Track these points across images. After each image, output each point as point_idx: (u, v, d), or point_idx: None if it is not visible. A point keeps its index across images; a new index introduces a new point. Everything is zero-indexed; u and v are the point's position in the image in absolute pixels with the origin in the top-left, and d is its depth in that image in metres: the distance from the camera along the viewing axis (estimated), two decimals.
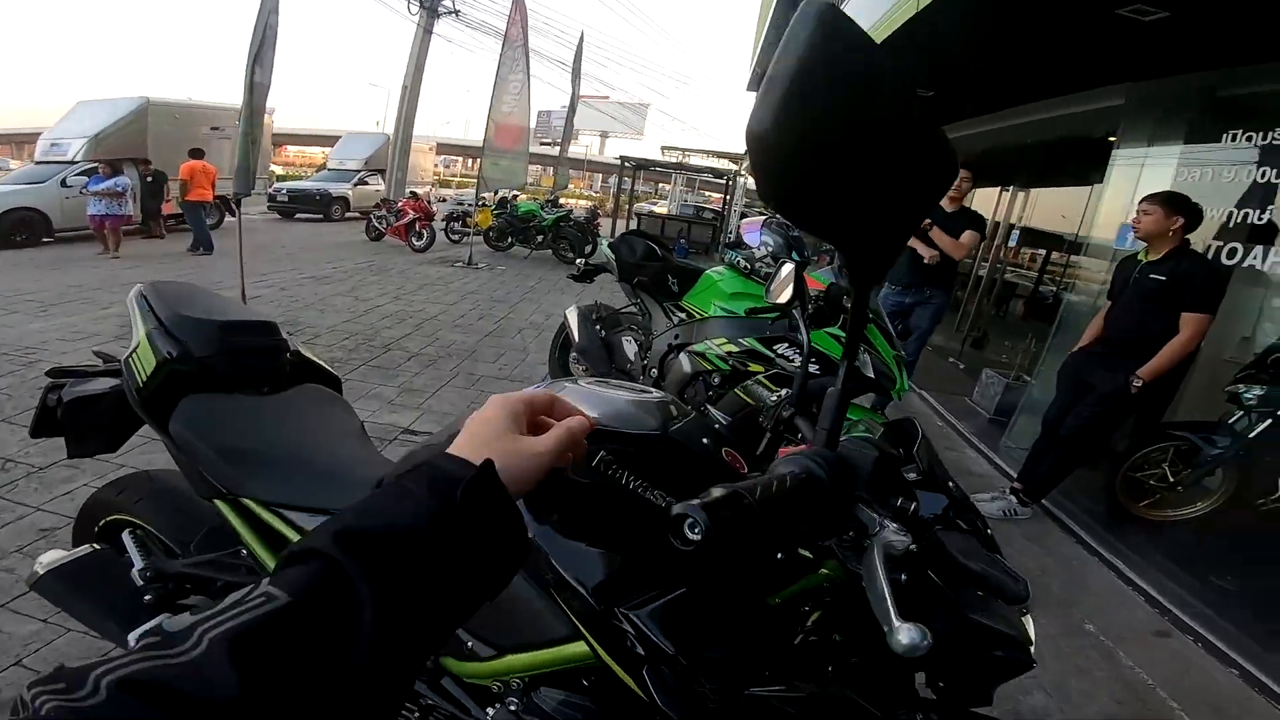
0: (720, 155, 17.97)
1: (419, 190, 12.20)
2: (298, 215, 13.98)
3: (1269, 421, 2.71)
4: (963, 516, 0.80)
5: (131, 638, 1.23)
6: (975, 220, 3.66)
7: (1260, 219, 2.76)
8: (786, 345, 2.47)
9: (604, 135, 54.72)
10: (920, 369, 5.83)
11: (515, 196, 11.74)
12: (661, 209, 16.78)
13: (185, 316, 1.21)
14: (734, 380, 2.50)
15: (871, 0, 4.21)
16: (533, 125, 11.14)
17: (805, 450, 0.66)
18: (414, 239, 10.24)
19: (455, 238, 11.32)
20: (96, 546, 1.42)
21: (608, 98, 49.08)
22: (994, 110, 5.64)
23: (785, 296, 1.43)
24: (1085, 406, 2.84)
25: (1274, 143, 2.76)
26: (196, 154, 9.01)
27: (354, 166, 14.82)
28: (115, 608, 1.31)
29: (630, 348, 3.29)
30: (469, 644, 0.85)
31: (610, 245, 3.42)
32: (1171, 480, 3.00)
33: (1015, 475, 3.29)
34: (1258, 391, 2.72)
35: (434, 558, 0.38)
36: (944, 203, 3.60)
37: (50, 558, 1.34)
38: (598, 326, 3.47)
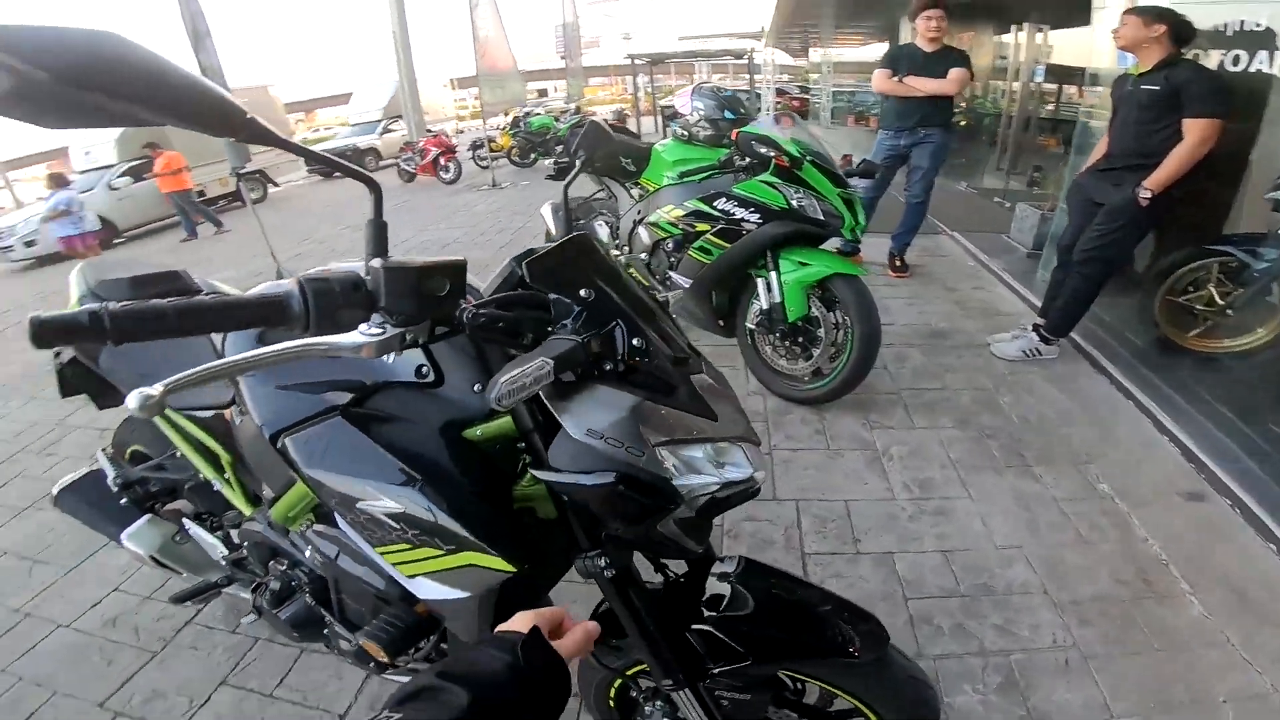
0: (740, 35, 16.60)
1: (433, 128, 12.18)
2: (335, 174, 14.18)
3: None
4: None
5: (123, 537, 1.49)
6: (961, 58, 3.50)
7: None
8: (724, 200, 2.36)
9: (627, 36, 52.31)
10: (957, 210, 5.49)
11: (526, 114, 11.54)
12: None
13: (102, 280, 1.37)
14: (688, 243, 2.50)
15: None
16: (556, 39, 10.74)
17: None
18: (441, 173, 10.42)
19: (483, 164, 11.34)
20: (94, 468, 1.68)
21: None
22: None
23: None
24: (1095, 226, 2.56)
25: None
26: (150, 147, 8.81)
27: (375, 117, 14.92)
28: (108, 514, 1.58)
29: (603, 231, 3.27)
30: None
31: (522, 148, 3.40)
32: (1221, 304, 2.60)
33: None
34: None
35: (507, 692, 0.54)
36: (923, 44, 3.49)
37: (62, 480, 1.68)
38: (571, 217, 3.46)
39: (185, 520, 1.48)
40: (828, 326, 2.36)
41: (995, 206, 5.70)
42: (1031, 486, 2.08)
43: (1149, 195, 2.33)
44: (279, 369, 0.79)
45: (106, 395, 1.56)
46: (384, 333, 0.57)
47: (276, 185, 12.41)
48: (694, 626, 0.85)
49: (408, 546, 0.76)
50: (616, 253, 3.18)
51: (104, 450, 1.68)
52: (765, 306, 2.40)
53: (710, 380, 0.77)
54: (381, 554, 0.79)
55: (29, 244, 8.37)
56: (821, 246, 2.45)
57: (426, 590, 0.79)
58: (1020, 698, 1.43)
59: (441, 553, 0.74)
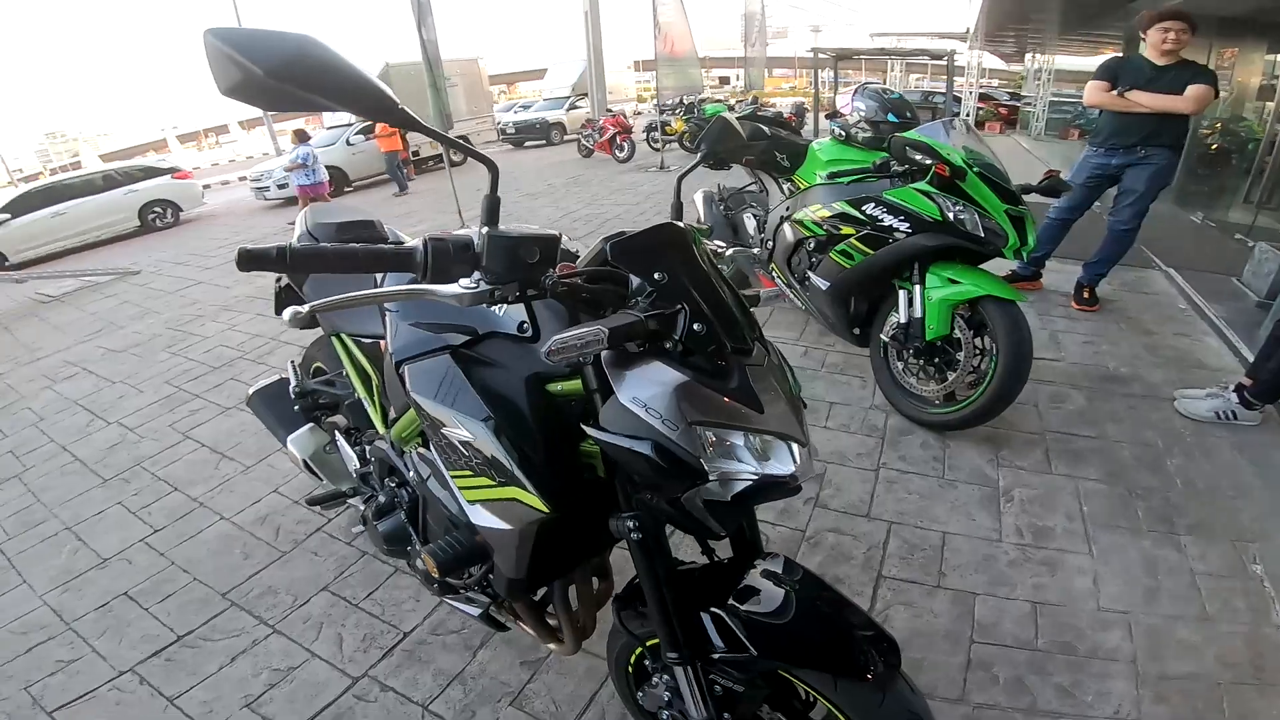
0: (941, 35, 15.21)
1: (613, 108, 12.79)
2: (525, 144, 15.67)
3: None
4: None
5: (288, 440, 1.84)
6: (1201, 73, 3.02)
7: None
8: (873, 205, 2.29)
9: (816, 30, 50.70)
10: (1182, 244, 4.70)
11: (701, 100, 11.65)
12: None
13: (318, 223, 1.71)
14: (830, 245, 2.49)
15: None
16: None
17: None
18: (616, 151, 10.97)
19: (655, 146, 11.73)
20: (282, 376, 2.09)
21: None
22: None
23: None
24: None
25: None
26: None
27: (564, 94, 16.10)
28: (282, 420, 1.96)
29: (750, 224, 3.34)
30: None
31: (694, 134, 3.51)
32: None
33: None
34: None
35: None
36: (1154, 56, 3.08)
37: (256, 384, 2.10)
38: (721, 206, 3.55)
39: (337, 434, 1.79)
40: (969, 351, 2.21)
41: (1232, 244, 4.78)
42: (1169, 555, 1.83)
43: None
44: (415, 310, 0.98)
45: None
46: (477, 287, 0.71)
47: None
48: (711, 609, 0.90)
49: (470, 473, 0.90)
50: (721, 245, 3.23)
51: (293, 361, 2.07)
52: (904, 320, 2.29)
53: (771, 377, 0.82)
54: (453, 476, 0.94)
55: (281, 186, 10.15)
56: (982, 266, 2.29)
57: (480, 517, 0.92)
58: None
59: (494, 483, 0.87)
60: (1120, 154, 3.21)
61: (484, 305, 0.73)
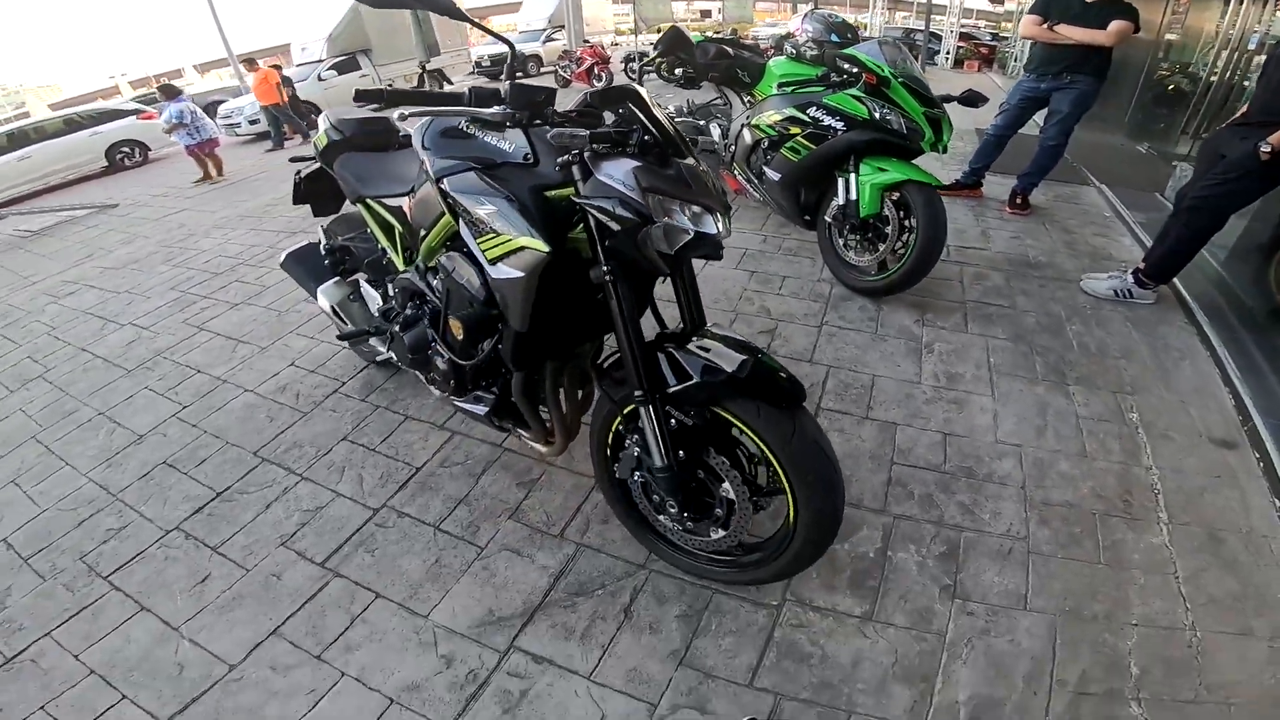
0: None
1: (590, 39, 12.67)
2: (501, 76, 15.32)
3: None
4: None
5: (319, 290, 2.19)
6: (1126, 10, 3.25)
7: None
8: (815, 109, 2.64)
9: None
10: (1121, 167, 5.04)
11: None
12: None
13: (341, 119, 2.04)
14: (782, 143, 2.80)
15: None
16: None
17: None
18: (594, 81, 11.12)
19: (632, 76, 11.68)
20: (311, 242, 2.43)
21: None
22: None
23: None
24: (1209, 175, 2.47)
25: None
26: (249, 64, 9.51)
27: (539, 26, 15.80)
28: (311, 275, 2.30)
29: (716, 131, 3.65)
30: None
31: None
32: None
33: None
34: None
35: None
36: None
37: (289, 249, 2.44)
38: (690, 117, 3.82)
39: (361, 282, 2.13)
40: (895, 226, 2.57)
41: (1166, 169, 5.16)
42: (1059, 401, 2.15)
43: (1269, 151, 2.23)
44: (449, 149, 1.32)
45: (322, 206, 2.24)
46: (501, 111, 1.11)
47: (451, 82, 13.80)
48: (666, 350, 1.23)
49: (492, 235, 1.22)
50: (683, 118, 3.83)
51: (323, 227, 2.36)
52: (842, 203, 2.64)
53: (700, 175, 1.14)
54: (479, 243, 1.26)
55: (253, 122, 10.16)
56: (918, 164, 2.60)
57: (499, 272, 1.25)
58: (952, 569, 1.56)
59: (510, 237, 1.19)
60: (1049, 80, 3.52)
61: (500, 138, 1.19)
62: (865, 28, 17.45)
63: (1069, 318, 2.67)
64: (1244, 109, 2.58)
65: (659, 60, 3.67)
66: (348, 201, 2.08)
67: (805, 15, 3.49)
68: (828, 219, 2.81)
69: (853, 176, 2.57)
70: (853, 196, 2.58)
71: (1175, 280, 2.81)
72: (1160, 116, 6.57)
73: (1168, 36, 6.69)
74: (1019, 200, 3.90)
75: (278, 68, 9.62)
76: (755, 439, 1.24)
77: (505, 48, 1.36)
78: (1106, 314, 2.70)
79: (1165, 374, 2.32)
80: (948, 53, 14.89)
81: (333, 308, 2.20)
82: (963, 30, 15.99)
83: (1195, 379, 2.30)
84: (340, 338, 2.18)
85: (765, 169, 2.93)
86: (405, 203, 1.65)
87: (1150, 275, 2.74)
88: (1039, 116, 3.78)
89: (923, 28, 14.36)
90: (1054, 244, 3.44)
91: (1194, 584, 1.53)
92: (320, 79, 11.03)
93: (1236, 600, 1.49)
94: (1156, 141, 6.28)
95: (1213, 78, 5.95)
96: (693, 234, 1.08)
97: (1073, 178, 4.60)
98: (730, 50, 3.42)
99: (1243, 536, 1.65)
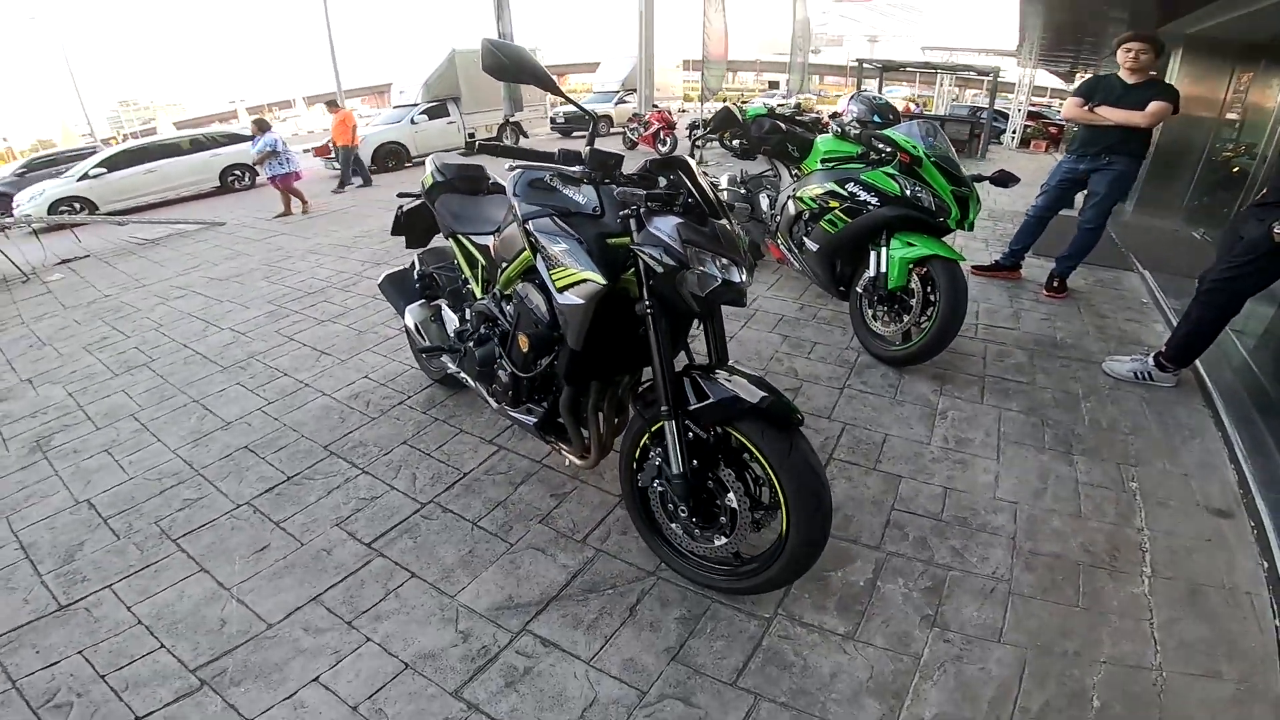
0: (993, 51, 15.43)
1: (659, 104, 13.45)
2: (573, 134, 16.40)
3: None
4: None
5: (406, 310, 2.59)
6: (1165, 91, 3.45)
7: None
8: (853, 184, 2.90)
9: (873, 40, 50.96)
10: (1167, 252, 5.02)
11: (743, 102, 12.20)
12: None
13: (446, 164, 2.43)
14: (821, 216, 3.09)
15: None
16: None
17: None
18: (659, 145, 11.66)
19: (698, 144, 12.29)
20: (407, 266, 2.82)
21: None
22: None
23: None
24: (1228, 257, 2.53)
25: None
26: (330, 105, 10.65)
27: (613, 88, 16.89)
28: (405, 294, 2.69)
29: (764, 202, 3.95)
30: None
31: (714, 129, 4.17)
32: None
33: None
34: None
35: None
36: (1125, 75, 3.52)
37: (386, 271, 2.85)
38: (742, 188, 4.14)
39: (443, 307, 2.49)
40: (920, 299, 2.77)
41: (1213, 252, 5.11)
42: (1062, 468, 2.24)
43: None
44: (535, 198, 1.63)
45: (416, 238, 2.65)
46: (581, 170, 1.43)
47: (527, 136, 14.82)
48: (691, 375, 1.49)
49: (562, 268, 1.51)
50: (725, 188, 4.11)
51: (418, 254, 2.75)
52: (873, 275, 2.87)
53: (732, 234, 1.42)
54: (551, 274, 1.55)
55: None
56: (945, 240, 2.82)
57: (565, 299, 1.53)
58: (935, 601, 1.68)
59: (576, 271, 1.48)
60: (1088, 160, 3.69)
61: (576, 190, 1.49)
62: (929, 105, 17.72)
63: (1085, 395, 2.75)
64: (1265, 190, 2.60)
65: (717, 133, 4.07)
66: (439, 235, 2.47)
67: (852, 97, 3.83)
68: (859, 290, 3.04)
69: (884, 250, 2.80)
70: (883, 269, 2.80)
71: (1199, 365, 2.85)
72: (1218, 200, 6.46)
73: (1228, 115, 6.56)
74: (1056, 284, 4.00)
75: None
76: (757, 454, 1.46)
77: (589, 107, 1.76)
78: (1123, 394, 2.77)
79: (1173, 450, 2.38)
80: (1014, 132, 14.86)
81: (416, 325, 2.56)
82: (1031, 109, 16.07)
83: (1202, 455, 2.35)
84: (420, 351, 2.56)
85: (805, 239, 3.20)
86: (491, 240, 1.99)
87: (1170, 358, 2.78)
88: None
89: (988, 106, 14.57)
90: (1084, 327, 3.53)
91: (1167, 630, 1.60)
92: (413, 122, 12.09)
93: (1209, 646, 1.56)
94: (1213, 226, 6.21)
95: (1265, 159, 5.85)
96: (720, 281, 1.35)
97: (1118, 263, 4.67)
98: (783, 125, 3.75)
99: (1224, 592, 1.73)
